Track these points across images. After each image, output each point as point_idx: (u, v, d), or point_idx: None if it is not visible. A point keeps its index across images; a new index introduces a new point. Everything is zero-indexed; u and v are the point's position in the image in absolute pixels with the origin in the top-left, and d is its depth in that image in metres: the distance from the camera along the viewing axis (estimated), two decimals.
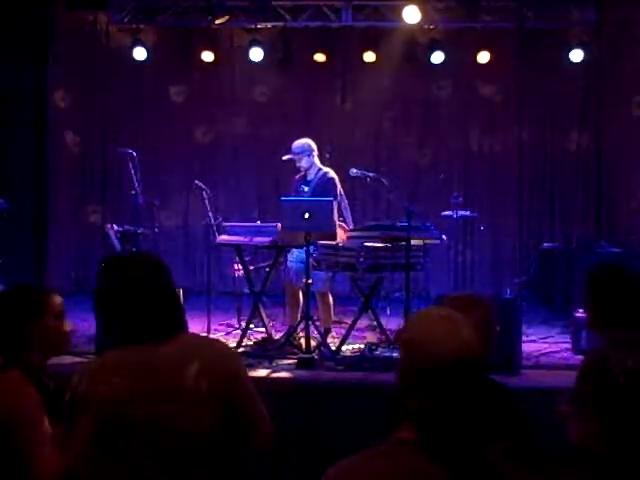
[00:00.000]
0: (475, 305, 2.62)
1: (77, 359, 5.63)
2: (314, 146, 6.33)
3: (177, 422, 2.06)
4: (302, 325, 5.77)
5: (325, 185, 6.21)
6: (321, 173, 6.32)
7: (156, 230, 7.34)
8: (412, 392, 1.61)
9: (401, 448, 1.59)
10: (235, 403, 2.14)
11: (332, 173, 6.32)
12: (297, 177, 6.45)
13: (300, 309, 6.19)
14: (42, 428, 2.29)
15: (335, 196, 6.02)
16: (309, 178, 6.33)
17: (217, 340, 2.73)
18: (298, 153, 6.27)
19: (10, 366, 2.41)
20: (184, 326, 2.24)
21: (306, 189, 6.26)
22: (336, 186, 6.23)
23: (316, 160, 6.36)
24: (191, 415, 2.06)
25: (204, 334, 6.09)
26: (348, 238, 5.84)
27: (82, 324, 6.81)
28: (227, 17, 8.57)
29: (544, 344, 6.27)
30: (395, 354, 5.36)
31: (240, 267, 6.44)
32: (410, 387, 1.61)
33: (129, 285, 2.15)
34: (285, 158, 6.40)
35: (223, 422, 2.12)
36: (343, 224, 6.10)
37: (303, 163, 6.28)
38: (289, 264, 6.24)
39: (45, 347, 2.49)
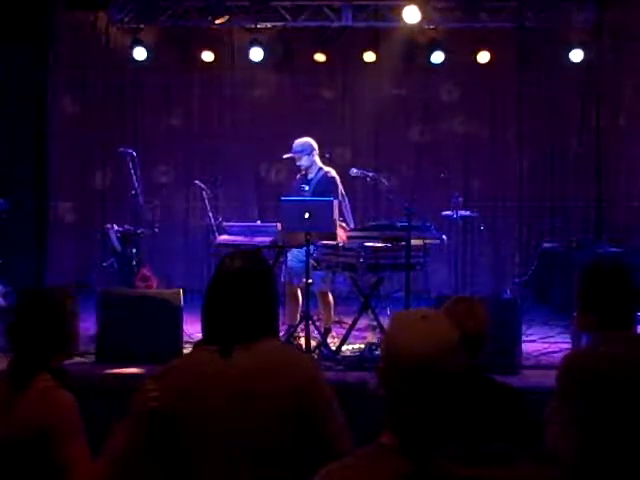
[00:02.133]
0: (475, 308, 2.62)
1: (77, 359, 5.65)
2: (315, 145, 6.32)
3: (249, 434, 2.03)
4: (302, 325, 5.78)
5: (326, 184, 6.20)
6: (322, 172, 6.31)
7: (156, 230, 7.34)
8: (388, 393, 1.59)
9: (381, 451, 1.57)
10: (314, 415, 2.10)
11: (333, 172, 6.31)
12: (298, 176, 6.44)
13: (300, 309, 6.19)
14: (81, 438, 2.23)
15: (336, 196, 6.02)
16: (310, 177, 6.32)
17: (299, 351, 2.63)
18: (298, 152, 6.27)
19: (37, 370, 2.34)
20: (272, 332, 2.21)
21: (307, 188, 6.25)
22: (337, 186, 6.22)
23: (317, 159, 6.35)
24: (263, 426, 2.04)
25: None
26: (348, 238, 5.84)
27: (82, 324, 6.83)
28: (227, 17, 8.58)
29: (544, 344, 6.27)
30: None
31: None
32: (386, 388, 1.60)
33: (217, 284, 2.17)
34: (286, 156, 6.40)
35: (301, 434, 2.08)
36: (343, 224, 6.10)
37: (303, 162, 6.28)
38: (289, 264, 6.23)
39: (66, 348, 2.47)
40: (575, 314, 2.66)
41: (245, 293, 2.14)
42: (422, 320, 1.59)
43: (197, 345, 2.18)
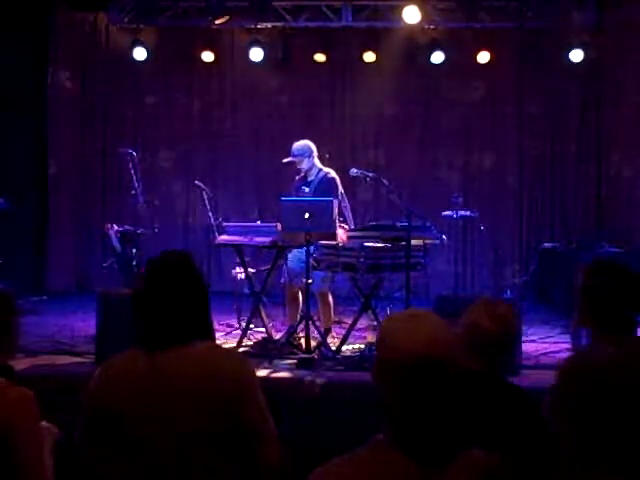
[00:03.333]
0: (500, 310, 2.58)
1: (77, 359, 5.66)
2: (313, 147, 6.32)
3: (175, 426, 2.06)
4: (302, 325, 5.77)
5: (326, 185, 6.20)
6: (322, 174, 6.30)
7: (156, 230, 7.33)
8: (384, 390, 1.61)
9: (380, 448, 1.59)
10: (242, 417, 2.12)
11: (333, 173, 6.31)
12: (297, 178, 6.44)
13: (300, 309, 6.19)
14: (41, 434, 2.23)
15: (336, 196, 6.01)
16: (310, 179, 6.31)
17: (231, 351, 2.68)
18: (298, 155, 6.25)
19: None
20: (203, 334, 2.21)
21: (307, 190, 6.25)
22: (337, 186, 6.22)
23: (316, 161, 6.34)
24: (189, 420, 2.07)
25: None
26: (348, 238, 5.84)
27: (82, 324, 6.84)
28: (227, 17, 8.59)
29: (544, 344, 6.27)
30: None
31: (241, 270, 6.43)
32: (381, 385, 1.61)
33: (146, 288, 2.19)
34: (285, 161, 6.38)
35: (231, 432, 2.10)
36: (344, 224, 6.10)
37: (304, 165, 6.26)
38: (289, 264, 6.23)
39: (11, 347, 2.45)
40: (574, 316, 2.65)
41: (169, 297, 2.15)
42: (410, 319, 1.61)
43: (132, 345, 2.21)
